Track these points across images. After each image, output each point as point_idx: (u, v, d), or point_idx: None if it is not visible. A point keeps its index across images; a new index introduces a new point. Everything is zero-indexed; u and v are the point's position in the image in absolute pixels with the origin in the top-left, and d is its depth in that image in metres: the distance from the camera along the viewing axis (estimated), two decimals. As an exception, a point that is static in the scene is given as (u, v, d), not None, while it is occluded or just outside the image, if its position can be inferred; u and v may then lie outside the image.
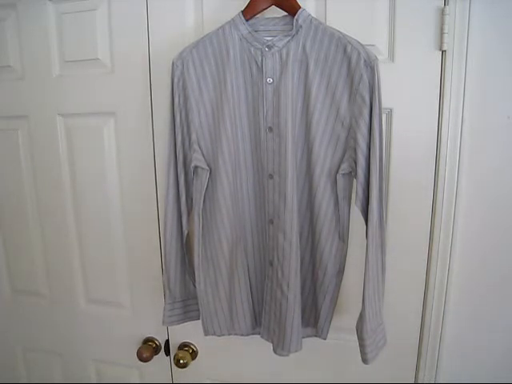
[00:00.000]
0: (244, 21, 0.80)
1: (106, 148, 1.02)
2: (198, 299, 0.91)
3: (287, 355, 0.87)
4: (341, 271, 0.85)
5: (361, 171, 0.77)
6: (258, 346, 0.95)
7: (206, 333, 0.92)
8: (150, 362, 1.08)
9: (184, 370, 1.06)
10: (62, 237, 1.11)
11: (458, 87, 0.80)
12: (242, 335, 0.94)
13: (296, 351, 0.86)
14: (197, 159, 0.86)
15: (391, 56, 0.82)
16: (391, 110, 0.83)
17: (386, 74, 0.79)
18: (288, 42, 0.78)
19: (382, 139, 0.77)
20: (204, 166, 0.85)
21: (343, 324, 0.92)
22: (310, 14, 0.78)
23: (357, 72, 0.75)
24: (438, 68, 0.80)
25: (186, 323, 0.96)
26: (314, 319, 0.90)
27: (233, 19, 0.80)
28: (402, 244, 0.89)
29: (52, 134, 1.05)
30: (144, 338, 1.12)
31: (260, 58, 0.80)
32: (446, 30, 0.77)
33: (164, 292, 0.94)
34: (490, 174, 0.84)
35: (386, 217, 0.82)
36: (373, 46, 0.80)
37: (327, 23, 0.81)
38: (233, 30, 0.80)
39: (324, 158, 0.80)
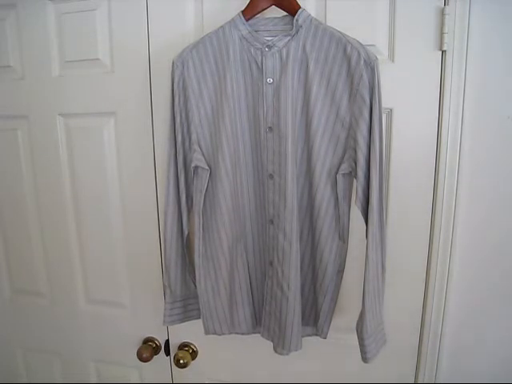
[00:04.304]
0: (244, 21, 0.80)
1: (106, 148, 1.02)
2: (198, 298, 0.91)
3: (287, 354, 0.87)
4: (341, 271, 0.85)
5: (361, 171, 0.78)
6: (258, 346, 0.95)
7: (207, 332, 0.93)
8: (150, 362, 1.08)
9: (184, 369, 1.06)
10: (62, 237, 1.11)
11: (458, 87, 0.80)
12: (242, 334, 0.94)
13: (296, 350, 0.86)
14: (197, 159, 0.86)
15: (391, 56, 0.82)
16: (391, 110, 0.83)
17: (385, 74, 0.79)
18: (288, 41, 0.78)
19: (382, 139, 0.77)
20: (204, 165, 0.86)
21: (343, 323, 0.92)
22: (310, 14, 0.78)
23: (357, 72, 0.75)
24: (438, 68, 0.80)
25: (186, 323, 0.96)
26: (314, 318, 0.90)
27: (233, 19, 0.80)
28: (402, 244, 0.89)
29: (52, 134, 1.05)
30: (144, 338, 1.12)
31: (260, 58, 0.80)
32: (445, 30, 0.77)
33: (164, 292, 0.94)
34: (490, 174, 0.84)
35: (385, 217, 0.82)
36: (373, 46, 0.80)
37: (327, 23, 0.81)
38: (233, 29, 0.80)
39: (324, 157, 0.81)
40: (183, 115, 0.85)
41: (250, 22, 0.80)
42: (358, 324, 0.82)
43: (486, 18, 0.77)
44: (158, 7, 0.91)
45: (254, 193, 0.87)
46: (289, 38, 0.78)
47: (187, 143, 0.87)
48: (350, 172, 0.80)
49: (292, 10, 0.78)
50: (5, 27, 1.02)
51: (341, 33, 0.76)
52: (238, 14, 0.80)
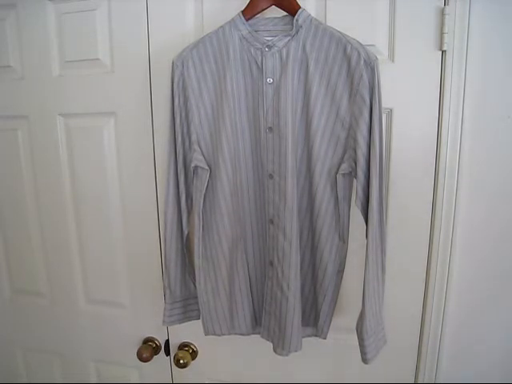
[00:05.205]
0: (244, 21, 0.80)
1: (106, 148, 1.02)
2: (198, 299, 0.91)
3: (287, 355, 0.87)
4: (341, 271, 0.85)
5: (361, 171, 0.77)
6: (258, 346, 0.95)
7: (206, 332, 0.92)
8: (150, 362, 1.08)
9: (184, 369, 1.06)
10: (62, 237, 1.11)
11: (458, 87, 0.80)
12: (242, 335, 0.94)
13: (296, 351, 0.86)
14: (197, 159, 0.86)
15: (391, 56, 0.82)
16: (391, 110, 0.83)
17: (385, 74, 0.79)
18: (288, 41, 0.78)
19: (382, 139, 0.77)
20: (204, 165, 0.86)
21: (343, 324, 0.92)
22: (310, 14, 0.78)
23: (357, 72, 0.75)
24: (438, 68, 0.80)
25: (186, 323, 0.96)
26: (314, 319, 0.90)
27: (233, 19, 0.80)
28: (402, 244, 0.89)
29: (52, 134, 1.05)
30: (144, 338, 1.12)
31: (260, 58, 0.80)
32: (445, 30, 0.77)
33: (164, 292, 0.94)
34: (490, 174, 0.84)
35: (386, 217, 0.82)
36: (373, 46, 0.80)
37: (327, 23, 0.81)
38: (233, 29, 0.80)
39: (324, 157, 0.80)
40: (183, 115, 0.85)
41: (249, 22, 0.80)
42: (357, 324, 0.82)
43: (486, 18, 0.77)
44: (157, 7, 0.91)
45: (254, 193, 0.87)
46: (289, 38, 0.78)
47: (187, 143, 0.87)
48: (350, 172, 0.80)
49: (292, 10, 0.78)
50: (5, 27, 1.02)
51: (341, 33, 0.76)
52: (238, 14, 0.80)
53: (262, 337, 0.92)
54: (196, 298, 0.94)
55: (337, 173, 0.80)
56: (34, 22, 0.99)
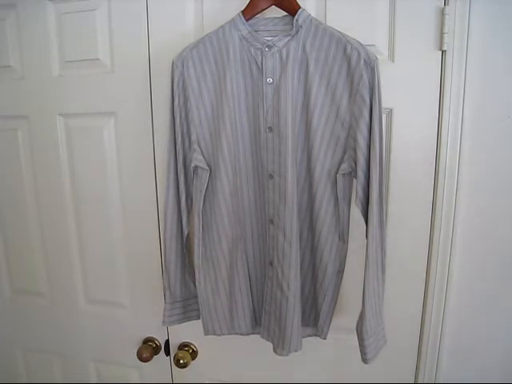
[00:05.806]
0: (244, 21, 0.80)
1: (106, 148, 1.02)
2: (198, 299, 0.91)
3: (287, 355, 0.87)
4: (341, 271, 0.85)
5: (361, 171, 0.77)
6: (258, 346, 0.95)
7: (206, 332, 0.92)
8: (150, 362, 1.08)
9: (184, 369, 1.06)
10: (62, 237, 1.11)
11: (458, 87, 0.80)
12: (241, 335, 0.94)
13: (296, 351, 0.86)
14: (197, 159, 0.86)
15: (391, 56, 0.82)
16: (391, 110, 0.83)
17: (385, 74, 0.79)
18: (288, 41, 0.78)
19: (382, 139, 0.77)
20: (204, 166, 0.86)
21: (343, 324, 0.92)
22: (310, 14, 0.78)
23: (357, 72, 0.75)
24: (438, 68, 0.80)
25: (186, 323, 0.96)
26: (314, 319, 0.90)
27: (233, 19, 0.80)
28: (402, 244, 0.89)
29: (52, 134, 1.05)
30: (144, 338, 1.12)
31: (260, 58, 0.80)
32: (445, 30, 0.77)
33: (164, 292, 0.94)
34: (490, 174, 0.84)
35: (385, 217, 0.82)
36: (373, 46, 0.80)
37: (327, 23, 0.81)
38: (233, 30, 0.80)
39: (324, 157, 0.80)
40: (183, 115, 0.85)
41: (249, 22, 0.80)
42: (357, 324, 0.82)
43: (486, 18, 0.77)
44: (157, 7, 0.91)
45: (254, 193, 0.87)
46: (289, 38, 0.78)
47: (187, 143, 0.87)
48: (350, 172, 0.80)
49: (292, 10, 0.78)
50: (5, 27, 1.02)
51: (341, 33, 0.76)
52: (238, 14, 0.80)
53: (262, 337, 0.92)
54: (196, 298, 0.94)
55: (337, 173, 0.80)
56: (34, 22, 0.99)
